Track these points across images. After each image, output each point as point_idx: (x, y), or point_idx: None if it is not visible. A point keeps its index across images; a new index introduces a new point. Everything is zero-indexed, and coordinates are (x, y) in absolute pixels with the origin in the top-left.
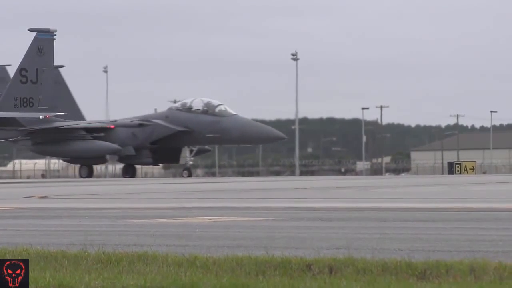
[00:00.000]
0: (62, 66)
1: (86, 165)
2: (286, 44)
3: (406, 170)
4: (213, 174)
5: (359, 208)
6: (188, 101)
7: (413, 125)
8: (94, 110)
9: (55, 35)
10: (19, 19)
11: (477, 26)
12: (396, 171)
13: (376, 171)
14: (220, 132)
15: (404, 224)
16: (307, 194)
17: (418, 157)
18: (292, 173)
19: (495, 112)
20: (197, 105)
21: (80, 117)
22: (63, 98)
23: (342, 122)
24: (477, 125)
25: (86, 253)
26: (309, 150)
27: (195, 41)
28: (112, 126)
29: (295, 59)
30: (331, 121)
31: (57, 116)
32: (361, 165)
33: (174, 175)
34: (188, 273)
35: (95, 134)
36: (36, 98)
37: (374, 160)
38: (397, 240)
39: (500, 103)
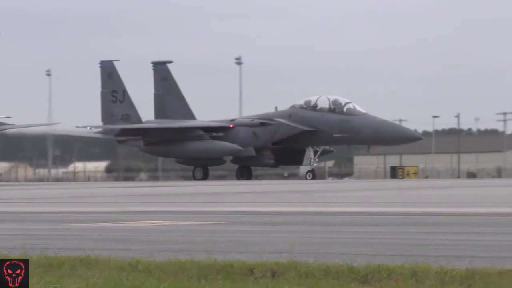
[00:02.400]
0: None
1: (201, 166)
2: (230, 48)
3: (349, 174)
4: (157, 178)
5: (302, 212)
6: (312, 98)
7: None
8: (37, 113)
9: None
10: None
11: (425, 31)
12: (339, 175)
13: (319, 175)
14: (350, 132)
15: (347, 228)
16: (250, 198)
17: (361, 162)
18: (235, 178)
19: (437, 117)
20: (323, 103)
21: (191, 116)
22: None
23: None
24: (420, 130)
25: (28, 257)
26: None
27: (140, 44)
28: (231, 126)
29: (239, 63)
30: None
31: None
32: (304, 169)
33: (117, 179)
34: (130, 277)
35: (214, 134)
36: None
37: (317, 164)
38: (340, 244)
39: (442, 109)
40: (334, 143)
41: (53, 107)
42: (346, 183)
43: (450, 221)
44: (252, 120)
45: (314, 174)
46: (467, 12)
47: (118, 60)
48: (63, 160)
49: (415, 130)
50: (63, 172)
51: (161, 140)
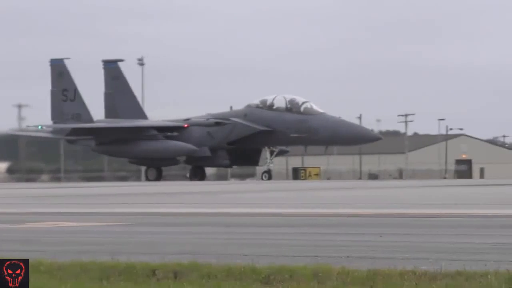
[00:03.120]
0: None
1: (154, 167)
2: (133, 49)
3: (252, 175)
4: (59, 180)
5: (206, 213)
6: (268, 98)
7: None
8: None
9: None
10: None
11: (325, 33)
12: (242, 177)
13: (222, 176)
14: (307, 132)
15: (250, 229)
16: (154, 199)
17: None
18: (138, 179)
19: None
20: (280, 102)
21: (143, 116)
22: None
23: None
24: None
25: None
26: None
27: (39, 44)
28: (185, 125)
29: (141, 64)
30: None
31: None
32: (207, 170)
33: (19, 180)
34: (32, 278)
35: (168, 134)
36: None
37: None
38: (242, 245)
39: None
40: (291, 144)
41: None
42: (248, 184)
43: (351, 222)
44: (207, 120)
45: (270, 175)
46: (366, 15)
47: (68, 58)
48: None
49: (373, 130)
50: None
51: (113, 139)
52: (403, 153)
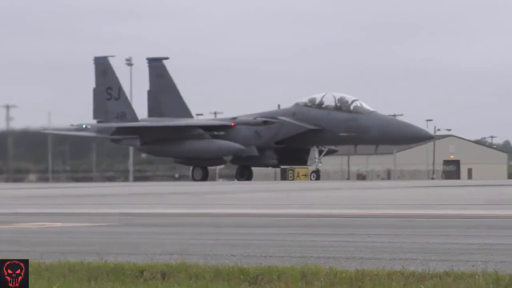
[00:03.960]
0: None
1: (200, 166)
2: (121, 49)
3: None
4: (46, 180)
5: (194, 214)
6: (317, 96)
7: None
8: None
9: None
10: None
11: (326, 32)
12: (230, 177)
13: (210, 176)
14: (356, 131)
15: (238, 230)
16: (141, 200)
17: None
18: (126, 179)
19: None
20: (329, 100)
21: (188, 114)
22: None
23: None
24: None
25: None
26: (143, 155)
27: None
28: (232, 124)
29: (130, 64)
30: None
31: None
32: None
33: (6, 180)
34: None
35: (215, 133)
36: None
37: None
38: (230, 246)
39: None
40: (340, 143)
41: None
42: (236, 185)
43: (339, 222)
44: (254, 119)
45: (318, 175)
46: (355, 16)
47: (113, 56)
48: None
49: (423, 129)
50: None
51: (158, 139)
52: (391, 153)
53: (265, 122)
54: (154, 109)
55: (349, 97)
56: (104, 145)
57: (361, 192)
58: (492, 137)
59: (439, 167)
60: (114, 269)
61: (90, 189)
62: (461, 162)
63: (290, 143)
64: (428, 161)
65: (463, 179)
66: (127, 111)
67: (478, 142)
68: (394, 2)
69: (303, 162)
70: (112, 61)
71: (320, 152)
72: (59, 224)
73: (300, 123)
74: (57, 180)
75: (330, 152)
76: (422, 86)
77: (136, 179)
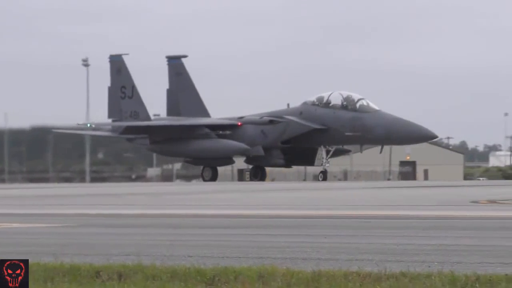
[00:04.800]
0: None
1: (210, 166)
2: (79, 49)
3: (197, 176)
4: (3, 181)
5: (151, 215)
6: (325, 94)
7: None
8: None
9: None
10: None
11: (274, 32)
12: (187, 178)
13: (167, 177)
14: (362, 131)
15: (195, 230)
16: (99, 201)
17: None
18: (83, 180)
19: None
20: (336, 99)
21: (205, 114)
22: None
23: None
24: None
25: None
26: (100, 156)
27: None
28: (239, 124)
29: (86, 65)
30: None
31: None
32: (152, 171)
33: None
34: None
35: (221, 132)
36: None
37: (165, 167)
38: (187, 247)
39: None
40: (346, 142)
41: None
42: (194, 185)
43: (296, 223)
44: (260, 118)
45: (325, 175)
46: (319, 16)
47: (127, 54)
48: None
49: (428, 129)
50: None
51: (167, 138)
52: (348, 154)
53: (271, 122)
54: (172, 108)
55: (355, 96)
56: (60, 145)
57: (318, 193)
58: (448, 138)
59: (396, 168)
60: (71, 269)
61: (47, 190)
62: (417, 163)
63: (296, 142)
64: (384, 162)
65: (419, 180)
66: (140, 110)
67: (434, 143)
68: (369, 2)
69: (311, 162)
70: (68, 60)
71: (328, 152)
72: (16, 225)
73: (306, 123)
74: (13, 180)
75: (338, 153)
76: (379, 88)
77: (93, 180)
